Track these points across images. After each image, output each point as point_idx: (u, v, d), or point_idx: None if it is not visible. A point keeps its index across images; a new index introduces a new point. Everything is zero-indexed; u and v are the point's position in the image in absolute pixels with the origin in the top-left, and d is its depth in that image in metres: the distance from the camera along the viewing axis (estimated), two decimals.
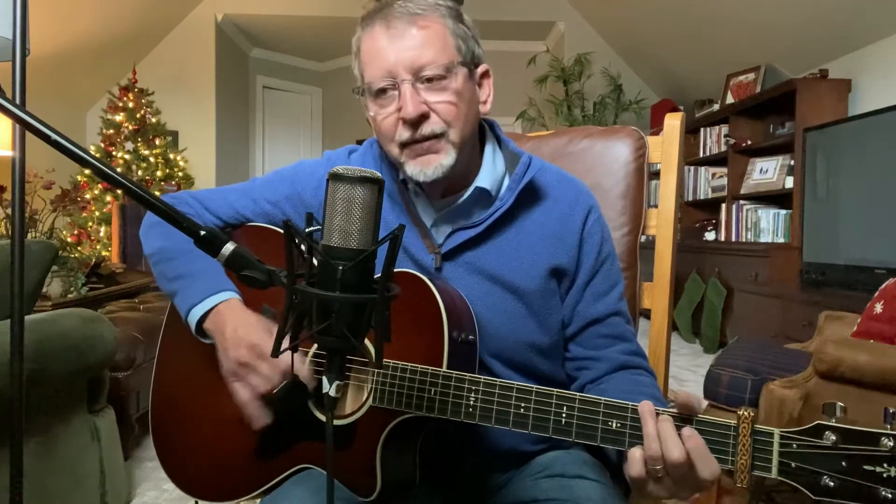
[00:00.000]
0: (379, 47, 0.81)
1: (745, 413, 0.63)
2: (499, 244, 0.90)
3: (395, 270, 0.82)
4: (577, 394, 0.71)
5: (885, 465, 0.58)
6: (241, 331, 0.82)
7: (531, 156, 0.92)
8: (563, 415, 0.70)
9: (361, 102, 0.88)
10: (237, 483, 0.88)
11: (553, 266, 0.90)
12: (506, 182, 0.92)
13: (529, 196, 0.91)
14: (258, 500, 0.88)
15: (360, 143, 1.03)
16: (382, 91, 0.82)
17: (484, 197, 0.90)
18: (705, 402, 2.11)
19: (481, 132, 0.94)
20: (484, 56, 0.90)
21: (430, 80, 0.81)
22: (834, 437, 0.60)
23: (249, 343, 0.80)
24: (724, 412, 1.96)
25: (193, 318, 0.87)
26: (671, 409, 0.67)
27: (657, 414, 0.66)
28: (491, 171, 0.91)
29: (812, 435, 0.61)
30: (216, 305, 0.87)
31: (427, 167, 0.83)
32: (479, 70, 0.88)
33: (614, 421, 0.68)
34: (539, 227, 0.91)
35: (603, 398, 0.69)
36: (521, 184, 0.89)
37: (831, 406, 0.61)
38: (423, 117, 0.82)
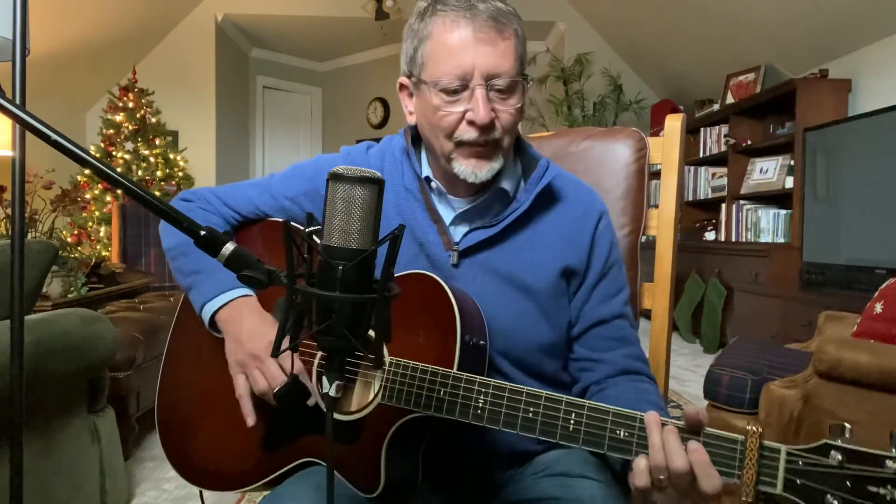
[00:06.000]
0: (460, 46, 0.82)
1: (754, 428, 0.63)
2: (514, 244, 0.91)
3: (413, 272, 0.83)
4: (586, 401, 0.71)
5: (890, 486, 0.58)
6: (261, 327, 0.85)
7: (549, 160, 0.95)
8: (572, 421, 0.70)
9: (408, 84, 0.89)
10: (242, 473, 0.89)
11: (564, 266, 0.92)
12: (522, 184, 0.95)
13: (545, 199, 0.93)
14: (259, 495, 0.88)
15: (377, 141, 1.03)
16: (453, 89, 0.83)
17: (502, 197, 0.93)
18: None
19: None
20: None
21: (500, 90, 0.83)
22: (840, 457, 0.60)
23: (270, 340, 0.82)
24: (725, 412, 1.96)
25: (207, 313, 0.90)
26: (678, 422, 0.67)
27: (663, 425, 0.67)
28: (512, 173, 0.94)
29: (818, 453, 0.61)
30: (232, 300, 0.89)
31: (480, 170, 0.86)
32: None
33: (622, 430, 0.69)
34: (553, 228, 0.93)
35: (612, 407, 0.70)
36: (539, 186, 0.91)
37: (839, 427, 0.62)
38: (491, 123, 0.84)
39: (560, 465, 0.88)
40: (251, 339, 0.84)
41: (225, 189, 1.03)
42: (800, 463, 0.62)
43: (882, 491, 0.58)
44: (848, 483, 0.60)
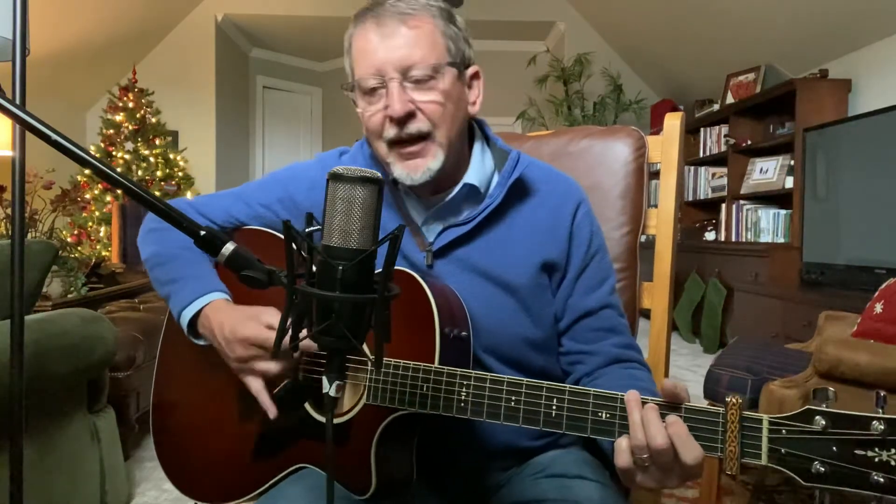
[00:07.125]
0: (369, 46, 0.82)
1: (733, 400, 0.61)
2: (489, 240, 0.90)
3: None
4: (567, 385, 0.70)
5: (877, 448, 0.56)
6: (229, 329, 0.82)
7: (520, 152, 0.93)
8: (554, 407, 0.70)
9: (351, 98, 0.89)
10: (236, 484, 0.89)
11: (544, 260, 0.90)
12: (495, 179, 0.93)
13: (519, 192, 0.92)
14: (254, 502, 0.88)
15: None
16: (372, 89, 0.83)
17: (473, 194, 0.91)
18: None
19: (470, 131, 0.95)
20: (476, 58, 0.90)
21: (418, 80, 0.81)
22: (824, 422, 0.58)
23: (241, 339, 0.80)
24: None
25: (184, 321, 0.88)
26: (659, 399, 0.66)
27: (643, 403, 0.66)
28: (479, 169, 0.92)
29: (802, 420, 0.59)
30: (203, 308, 0.87)
31: (415, 172, 0.84)
32: (470, 71, 0.89)
33: (604, 412, 0.68)
34: (529, 222, 0.91)
35: (592, 389, 0.69)
36: (511, 180, 0.89)
37: (822, 391, 0.59)
38: (410, 116, 0.82)
39: (557, 465, 0.87)
40: (229, 346, 0.81)
41: (200, 199, 1.02)
42: (783, 431, 0.60)
43: (870, 453, 0.56)
44: (834, 448, 0.58)
